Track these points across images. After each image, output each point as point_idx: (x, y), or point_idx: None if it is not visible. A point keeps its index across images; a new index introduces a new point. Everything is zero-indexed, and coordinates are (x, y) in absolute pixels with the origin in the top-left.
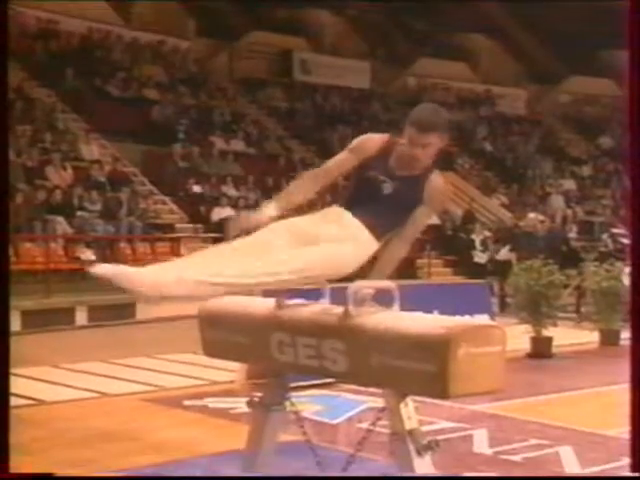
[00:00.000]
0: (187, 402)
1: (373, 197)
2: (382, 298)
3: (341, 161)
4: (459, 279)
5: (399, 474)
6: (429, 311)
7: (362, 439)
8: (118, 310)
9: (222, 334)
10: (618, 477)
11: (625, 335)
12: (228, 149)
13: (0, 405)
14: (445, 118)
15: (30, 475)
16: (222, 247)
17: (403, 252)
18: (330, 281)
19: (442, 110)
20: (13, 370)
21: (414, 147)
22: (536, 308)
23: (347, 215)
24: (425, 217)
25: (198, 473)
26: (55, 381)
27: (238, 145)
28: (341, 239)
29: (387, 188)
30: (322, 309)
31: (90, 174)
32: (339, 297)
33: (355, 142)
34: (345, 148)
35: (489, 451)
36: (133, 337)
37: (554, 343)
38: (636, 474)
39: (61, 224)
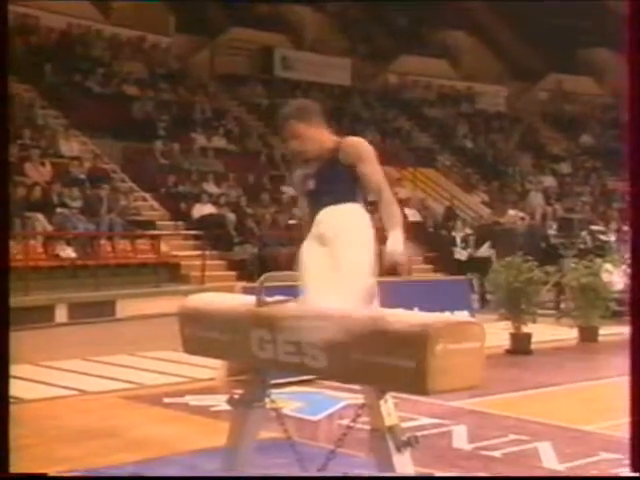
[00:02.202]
0: (167, 400)
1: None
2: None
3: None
4: (439, 276)
5: (379, 471)
6: (409, 308)
7: (342, 435)
8: (98, 308)
9: (202, 331)
10: (618, 477)
11: (604, 332)
12: (209, 146)
13: None
14: (299, 105)
15: (26, 475)
16: None
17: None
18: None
19: (299, 100)
20: None
21: (289, 141)
22: (516, 304)
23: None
24: (369, 167)
25: (178, 470)
26: (35, 379)
27: (219, 142)
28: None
29: (311, 184)
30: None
31: (70, 171)
32: None
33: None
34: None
35: (468, 447)
36: (113, 335)
37: (533, 339)
38: (636, 474)
39: (40, 221)
